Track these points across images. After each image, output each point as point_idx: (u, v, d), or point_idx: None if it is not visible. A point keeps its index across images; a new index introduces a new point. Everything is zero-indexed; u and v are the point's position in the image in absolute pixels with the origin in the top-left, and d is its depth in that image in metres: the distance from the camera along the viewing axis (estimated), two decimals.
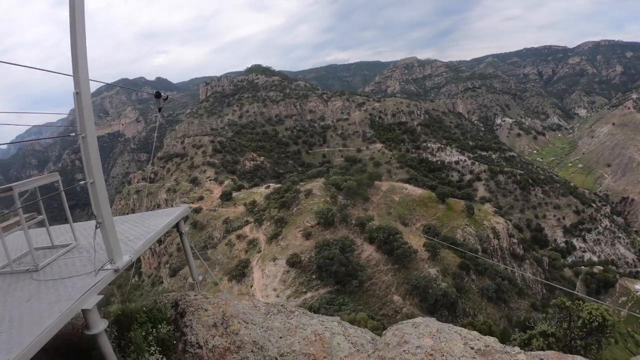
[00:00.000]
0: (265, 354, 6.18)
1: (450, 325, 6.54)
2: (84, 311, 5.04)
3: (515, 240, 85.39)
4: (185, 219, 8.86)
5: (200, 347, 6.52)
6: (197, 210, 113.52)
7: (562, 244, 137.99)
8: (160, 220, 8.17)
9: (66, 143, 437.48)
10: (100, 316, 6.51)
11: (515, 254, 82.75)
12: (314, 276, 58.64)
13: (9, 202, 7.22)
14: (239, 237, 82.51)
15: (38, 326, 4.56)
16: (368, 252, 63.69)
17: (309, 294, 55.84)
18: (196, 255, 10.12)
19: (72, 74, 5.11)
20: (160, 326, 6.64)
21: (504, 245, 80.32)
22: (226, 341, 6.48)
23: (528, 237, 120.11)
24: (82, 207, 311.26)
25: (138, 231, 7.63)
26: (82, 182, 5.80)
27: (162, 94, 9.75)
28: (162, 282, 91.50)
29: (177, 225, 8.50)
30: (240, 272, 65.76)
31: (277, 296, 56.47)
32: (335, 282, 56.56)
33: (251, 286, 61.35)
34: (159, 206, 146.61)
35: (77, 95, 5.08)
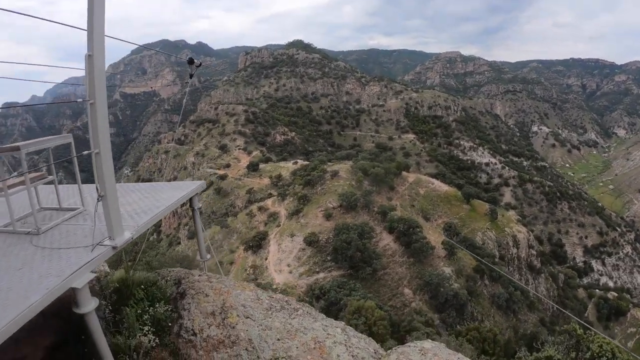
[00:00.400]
0: (260, 354, 5.88)
1: (460, 355, 6.14)
2: (74, 288, 4.76)
3: (534, 252, 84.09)
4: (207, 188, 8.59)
5: (194, 334, 6.26)
6: (222, 177, 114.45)
7: (581, 264, 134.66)
8: (172, 194, 7.85)
9: None
10: (100, 285, 6.28)
11: (532, 265, 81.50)
12: (329, 257, 58.67)
13: (29, 158, 7.01)
14: (260, 208, 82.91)
15: (23, 301, 4.30)
16: (386, 241, 63.44)
17: (321, 275, 55.95)
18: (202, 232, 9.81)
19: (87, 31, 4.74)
20: (158, 305, 6.39)
21: (522, 255, 79.17)
22: (221, 333, 6.20)
23: (547, 251, 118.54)
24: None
25: (146, 204, 7.33)
26: (86, 152, 5.51)
27: (196, 61, 9.54)
28: (179, 243, 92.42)
29: (190, 201, 8.21)
30: (257, 244, 66.12)
31: (290, 272, 56.74)
32: (349, 266, 56.52)
33: (266, 259, 61.73)
34: (185, 168, 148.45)
35: (90, 58, 4.69)
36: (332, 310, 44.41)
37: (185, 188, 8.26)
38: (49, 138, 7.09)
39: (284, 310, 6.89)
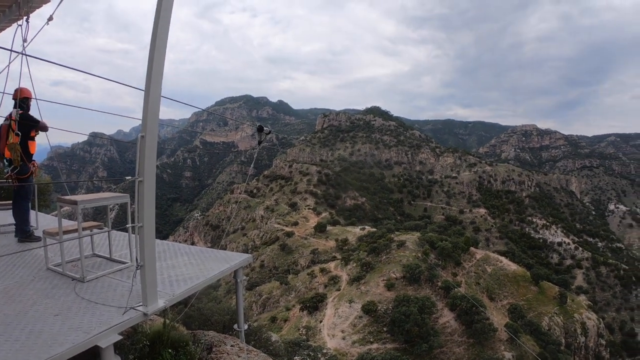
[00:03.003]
0: None
1: None
2: (98, 347, 5.04)
3: (604, 342, 78.95)
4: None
5: None
6: (289, 234, 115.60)
7: None
8: (217, 265, 8.01)
9: (182, 141, 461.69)
10: (131, 341, 6.50)
11: (601, 357, 76.48)
12: (385, 329, 57.36)
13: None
14: (322, 270, 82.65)
15: (46, 350, 4.62)
16: (446, 318, 61.68)
17: (374, 345, 54.69)
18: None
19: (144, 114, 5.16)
20: None
21: (589, 345, 74.59)
22: None
23: (618, 341, 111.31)
24: (182, 202, 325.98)
25: (189, 271, 7.54)
26: (130, 225, 5.92)
27: (265, 128, 9.97)
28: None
29: (235, 273, 8.43)
30: (314, 305, 65.62)
31: (343, 338, 55.80)
32: (404, 340, 54.96)
33: (321, 321, 61.03)
34: (253, 221, 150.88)
35: (142, 139, 5.06)
36: None
37: (231, 260, 8.43)
38: (107, 196, 7.63)
39: None
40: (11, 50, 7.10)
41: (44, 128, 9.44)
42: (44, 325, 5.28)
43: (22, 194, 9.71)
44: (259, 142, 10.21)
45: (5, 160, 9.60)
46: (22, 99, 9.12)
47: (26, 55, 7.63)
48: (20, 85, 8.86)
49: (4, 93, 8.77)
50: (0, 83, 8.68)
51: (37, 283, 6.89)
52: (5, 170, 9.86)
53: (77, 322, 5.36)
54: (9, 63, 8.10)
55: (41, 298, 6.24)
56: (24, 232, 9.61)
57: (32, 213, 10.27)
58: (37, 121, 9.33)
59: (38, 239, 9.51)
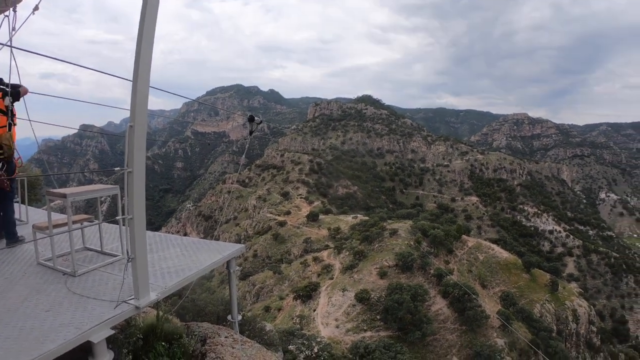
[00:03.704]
0: None
1: None
2: (90, 342, 4.97)
3: (595, 329, 79.30)
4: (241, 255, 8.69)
5: None
6: (281, 224, 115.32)
7: None
8: (210, 256, 7.91)
9: (174, 131, 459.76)
10: (124, 334, 6.44)
11: (591, 343, 76.92)
12: (378, 317, 57.25)
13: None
14: (315, 259, 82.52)
15: (38, 347, 4.56)
16: (439, 305, 61.69)
17: (368, 333, 54.67)
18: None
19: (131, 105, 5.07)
20: None
21: (581, 332, 74.91)
22: None
23: (609, 328, 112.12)
24: (174, 193, 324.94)
25: (181, 263, 7.46)
26: (119, 217, 5.81)
27: (256, 118, 9.81)
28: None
29: (227, 263, 8.33)
30: (307, 294, 65.33)
31: (337, 327, 55.73)
32: (398, 328, 54.96)
33: (314, 310, 60.84)
34: (246, 210, 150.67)
35: (131, 128, 4.99)
36: None
37: (224, 250, 8.31)
38: (97, 188, 7.55)
39: None
40: None
41: (25, 91, 8.66)
42: (35, 321, 5.22)
43: (10, 195, 8.99)
44: (251, 132, 10.02)
45: None
46: None
47: (12, 47, 7.38)
48: (10, 78, 8.29)
49: None
50: None
51: (27, 278, 6.80)
52: None
53: (68, 318, 5.30)
54: None
55: (32, 294, 6.17)
56: (13, 235, 8.85)
57: (22, 207, 10.06)
58: (17, 85, 8.42)
59: (23, 239, 8.94)
